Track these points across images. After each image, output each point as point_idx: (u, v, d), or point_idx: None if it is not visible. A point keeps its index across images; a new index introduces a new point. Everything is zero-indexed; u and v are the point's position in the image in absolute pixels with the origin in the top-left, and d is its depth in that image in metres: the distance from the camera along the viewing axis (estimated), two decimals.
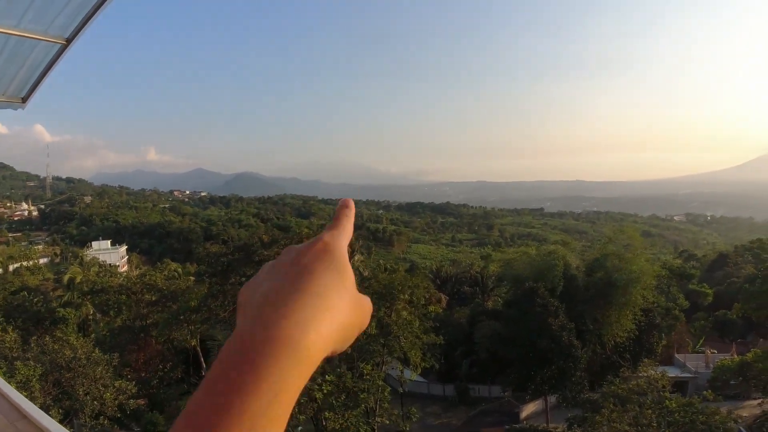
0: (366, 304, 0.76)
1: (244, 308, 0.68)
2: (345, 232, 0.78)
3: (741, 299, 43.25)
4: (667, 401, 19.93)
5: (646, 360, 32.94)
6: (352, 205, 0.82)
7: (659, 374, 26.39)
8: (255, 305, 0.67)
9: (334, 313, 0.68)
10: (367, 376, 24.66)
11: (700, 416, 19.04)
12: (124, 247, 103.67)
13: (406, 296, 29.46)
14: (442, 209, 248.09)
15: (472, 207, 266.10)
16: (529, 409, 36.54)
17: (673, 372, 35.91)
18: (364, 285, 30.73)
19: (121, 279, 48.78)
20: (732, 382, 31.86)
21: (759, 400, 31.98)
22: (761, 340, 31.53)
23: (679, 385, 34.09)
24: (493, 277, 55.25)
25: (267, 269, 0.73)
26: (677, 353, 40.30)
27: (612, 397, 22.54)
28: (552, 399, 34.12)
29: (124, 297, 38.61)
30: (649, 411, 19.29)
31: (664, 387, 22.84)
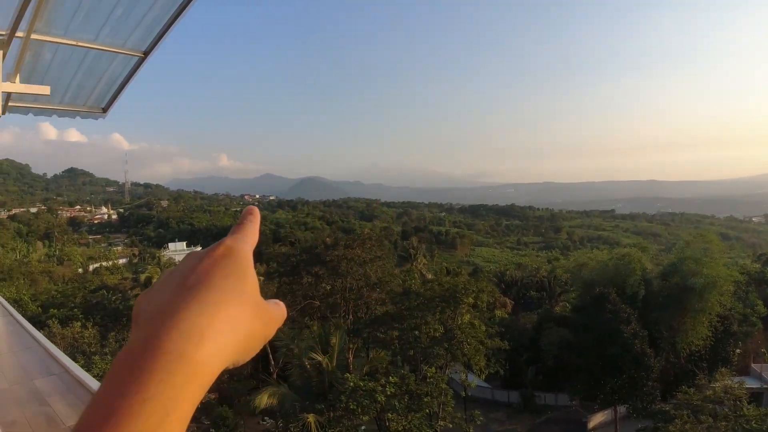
0: (273, 310, 0.73)
1: (137, 320, 0.63)
2: (249, 237, 0.74)
3: None
4: (744, 410, 18.93)
5: (723, 369, 31.31)
6: (257, 212, 0.80)
7: (736, 384, 25.12)
8: (148, 317, 0.61)
9: (232, 322, 0.63)
10: (431, 379, 24.77)
11: None
12: (199, 248, 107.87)
13: (470, 300, 29.34)
14: (507, 212, 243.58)
15: (537, 209, 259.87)
16: (597, 419, 35.46)
17: (749, 382, 34.04)
18: (426, 288, 30.97)
19: None
20: None
21: None
22: None
23: (756, 396, 32.15)
24: (562, 282, 54.06)
25: (165, 277, 0.68)
26: (754, 363, 38.08)
27: (686, 408, 21.64)
28: (622, 409, 32.98)
29: None
30: (724, 423, 18.40)
31: (740, 398, 21.68)
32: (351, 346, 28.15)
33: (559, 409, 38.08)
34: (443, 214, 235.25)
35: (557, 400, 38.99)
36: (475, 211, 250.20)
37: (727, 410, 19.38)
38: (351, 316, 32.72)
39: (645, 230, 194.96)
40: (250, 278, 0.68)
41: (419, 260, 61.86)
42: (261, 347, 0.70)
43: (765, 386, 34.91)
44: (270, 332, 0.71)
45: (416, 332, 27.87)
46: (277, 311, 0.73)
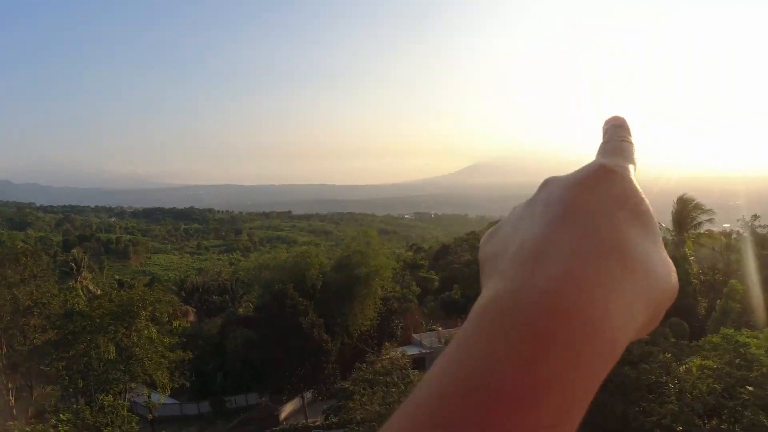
0: (670, 264, 0.48)
1: (492, 266, 0.47)
2: (629, 159, 0.50)
3: (460, 282, 51.34)
4: (410, 376, 22.11)
5: (387, 343, 35.88)
6: (626, 123, 0.56)
7: (400, 354, 29.20)
8: (517, 260, 0.43)
9: (640, 279, 0.42)
10: (109, 408, 22.07)
11: None
12: None
13: (148, 313, 27.02)
14: (186, 215, 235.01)
15: (218, 211, 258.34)
16: (287, 410, 36.78)
17: (412, 350, 39.84)
18: (93, 306, 27.17)
19: None
20: None
21: None
22: None
23: (419, 361, 37.99)
24: (244, 283, 54.35)
25: (520, 212, 0.49)
26: (414, 333, 44.79)
27: (362, 382, 23.96)
28: (308, 395, 34.95)
29: None
30: (394, 389, 21.12)
31: (405, 365, 25.31)
32: (9, 386, 23.49)
33: (251, 408, 38.18)
34: (113, 219, 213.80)
35: (248, 400, 38.97)
36: (151, 215, 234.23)
37: (396, 378, 22.17)
38: (4, 350, 26.86)
39: (318, 229, 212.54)
40: (649, 216, 0.47)
41: (84, 274, 55.07)
42: (665, 312, 0.47)
43: (425, 351, 41.08)
44: (675, 290, 0.48)
45: (86, 358, 24.39)
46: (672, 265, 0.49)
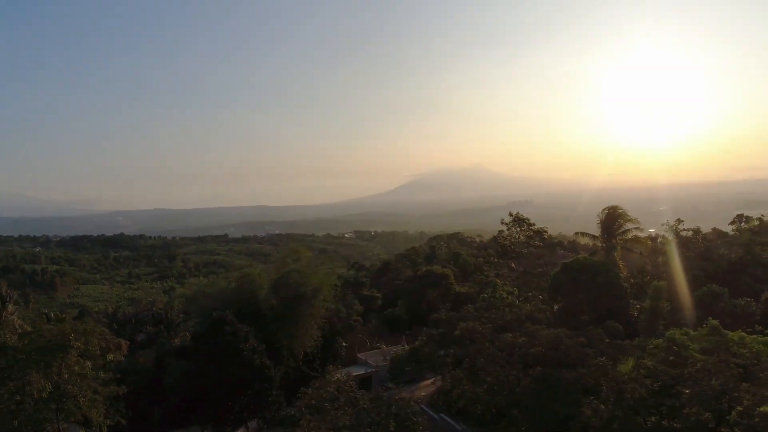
0: None
1: None
2: None
3: (403, 298, 51.50)
4: (357, 398, 21.71)
5: (331, 366, 35.29)
6: None
7: (345, 375, 28.75)
8: None
9: None
10: None
11: (388, 406, 21.16)
12: None
13: (79, 347, 25.38)
14: (116, 242, 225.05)
15: (150, 238, 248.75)
16: None
17: (357, 370, 39.48)
18: (24, 342, 25.27)
19: None
20: (407, 369, 36.55)
21: (431, 380, 37.78)
22: (424, 328, 37.40)
23: (366, 381, 37.61)
24: (180, 312, 52.24)
25: None
26: (359, 353, 44.37)
27: (307, 408, 23.32)
28: (253, 424, 33.69)
29: None
30: (341, 412, 20.66)
31: (350, 386, 24.84)
32: None
33: None
34: (38, 249, 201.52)
35: None
36: (78, 243, 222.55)
37: (343, 401, 21.70)
38: None
39: (256, 251, 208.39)
40: None
41: (10, 308, 51.45)
42: None
43: (370, 370, 40.78)
44: None
45: (18, 397, 22.66)
46: None
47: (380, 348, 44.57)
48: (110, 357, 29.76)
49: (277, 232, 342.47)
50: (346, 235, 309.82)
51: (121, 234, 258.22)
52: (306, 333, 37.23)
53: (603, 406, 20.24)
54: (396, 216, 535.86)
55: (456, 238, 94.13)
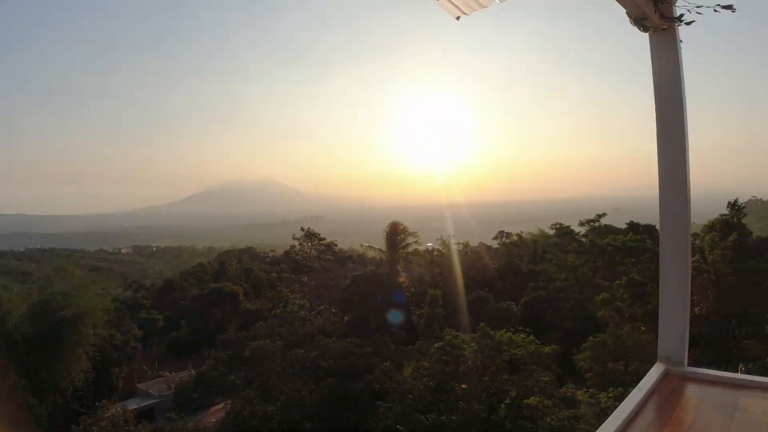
0: None
1: None
2: None
3: (189, 319, 48.77)
4: None
5: (104, 401, 31.80)
6: None
7: (120, 410, 26.26)
8: None
9: None
10: None
11: None
12: None
13: None
14: None
15: None
16: None
17: (137, 402, 36.25)
18: None
19: None
20: (194, 395, 34.43)
21: (221, 404, 35.98)
22: (212, 350, 35.83)
23: (147, 413, 34.60)
24: None
25: None
26: (139, 383, 40.81)
27: None
28: None
29: None
30: None
31: (126, 421, 22.68)
32: None
33: None
34: None
35: None
36: None
37: None
38: None
39: (15, 269, 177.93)
40: None
41: None
42: None
43: (152, 401, 37.66)
44: None
45: None
46: None
47: (164, 375, 41.51)
48: None
49: (40, 246, 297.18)
50: (122, 250, 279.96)
51: None
52: (74, 364, 32.85)
53: (390, 408, 21.60)
54: (183, 228, 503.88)
55: (248, 253, 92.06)
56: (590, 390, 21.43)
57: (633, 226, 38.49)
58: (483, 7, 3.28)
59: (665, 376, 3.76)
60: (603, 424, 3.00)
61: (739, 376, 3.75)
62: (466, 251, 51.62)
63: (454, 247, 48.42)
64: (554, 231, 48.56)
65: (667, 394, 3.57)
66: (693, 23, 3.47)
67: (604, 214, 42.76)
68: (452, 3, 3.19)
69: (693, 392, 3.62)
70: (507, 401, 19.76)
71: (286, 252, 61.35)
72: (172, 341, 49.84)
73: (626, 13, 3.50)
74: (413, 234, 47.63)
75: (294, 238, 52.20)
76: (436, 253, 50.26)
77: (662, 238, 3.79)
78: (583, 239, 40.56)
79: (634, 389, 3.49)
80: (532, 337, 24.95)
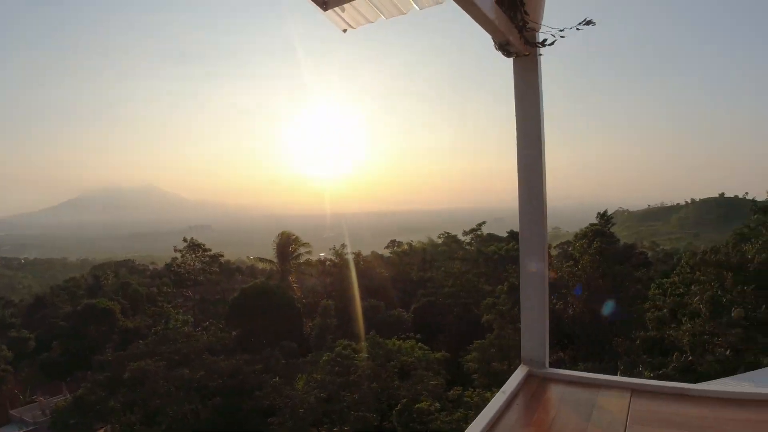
0: None
1: None
2: None
3: (61, 338, 44.81)
4: None
5: None
6: None
7: None
8: None
9: None
10: None
11: None
12: None
13: None
14: None
15: None
16: None
17: (13, 431, 33.36)
18: None
19: None
20: (72, 422, 31.80)
21: (101, 430, 33.34)
22: (88, 372, 33.30)
23: None
24: None
25: None
26: (12, 410, 37.87)
27: None
28: None
29: None
30: None
31: None
32: None
33: None
34: None
35: None
36: None
37: None
38: None
39: None
40: None
41: None
42: None
43: (29, 428, 35.00)
44: None
45: None
46: None
47: (38, 400, 38.30)
48: None
49: None
50: None
51: None
52: None
53: (282, 423, 21.15)
54: (54, 238, 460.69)
55: (126, 265, 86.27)
56: (477, 390, 22.33)
57: (514, 235, 40.92)
58: (369, 21, 3.38)
59: (528, 378, 3.98)
60: (467, 429, 3.10)
61: (597, 376, 3.98)
62: (359, 260, 52.04)
63: (347, 257, 48.66)
64: (442, 240, 50.26)
65: (530, 395, 3.76)
66: (554, 43, 3.63)
67: (484, 222, 45.10)
68: (340, 16, 3.23)
69: (554, 392, 3.81)
70: (398, 407, 20.07)
71: (167, 264, 58.01)
72: (44, 363, 45.66)
73: (492, 38, 3.61)
74: (305, 244, 47.23)
75: (176, 250, 49.62)
76: (328, 263, 50.14)
77: (522, 249, 4.03)
78: (468, 247, 42.47)
79: (498, 392, 3.66)
80: (420, 344, 25.58)
